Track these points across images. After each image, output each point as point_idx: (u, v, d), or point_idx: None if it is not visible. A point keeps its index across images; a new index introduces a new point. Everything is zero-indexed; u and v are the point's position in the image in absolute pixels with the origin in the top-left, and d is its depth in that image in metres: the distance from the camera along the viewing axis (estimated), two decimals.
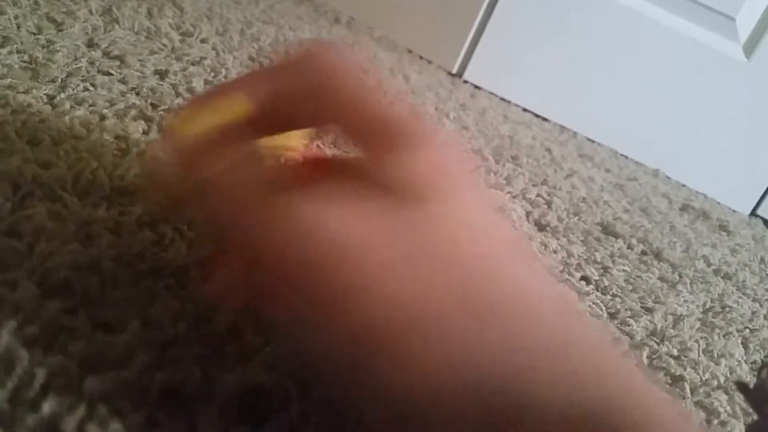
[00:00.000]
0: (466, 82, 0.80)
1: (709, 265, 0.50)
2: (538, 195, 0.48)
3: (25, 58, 0.32)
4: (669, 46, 0.76)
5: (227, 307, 0.20)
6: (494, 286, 0.16)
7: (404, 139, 0.17)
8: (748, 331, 0.40)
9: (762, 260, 0.58)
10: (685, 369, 0.32)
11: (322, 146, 0.25)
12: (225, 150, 0.18)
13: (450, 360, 0.14)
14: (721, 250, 0.56)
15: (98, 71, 0.35)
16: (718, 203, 0.78)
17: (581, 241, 0.43)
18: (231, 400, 0.18)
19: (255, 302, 0.19)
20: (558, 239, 0.42)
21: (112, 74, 0.35)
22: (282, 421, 0.18)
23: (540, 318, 0.15)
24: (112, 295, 0.20)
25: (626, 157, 0.80)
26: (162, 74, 0.38)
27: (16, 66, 0.31)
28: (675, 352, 0.33)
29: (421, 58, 0.80)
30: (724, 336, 0.38)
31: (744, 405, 0.31)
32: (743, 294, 0.47)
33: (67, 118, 0.29)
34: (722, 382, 0.32)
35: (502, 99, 0.80)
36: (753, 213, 0.80)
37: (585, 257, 0.41)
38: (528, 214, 0.44)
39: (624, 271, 0.41)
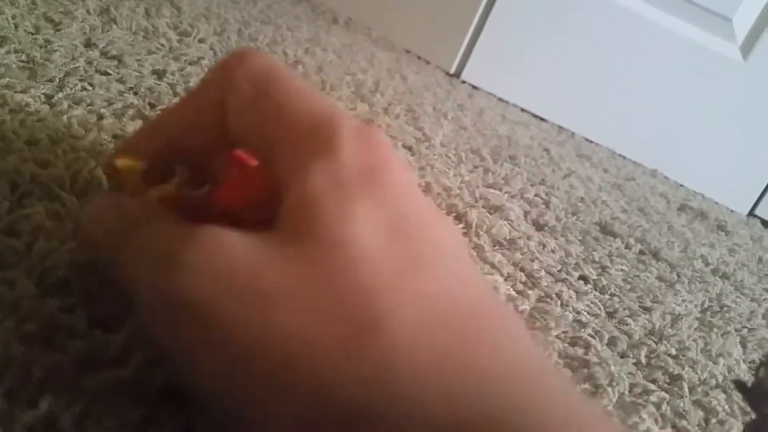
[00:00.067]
0: (464, 82, 0.80)
1: (707, 264, 0.50)
2: (536, 195, 0.48)
3: (23, 57, 0.32)
4: (666, 46, 0.76)
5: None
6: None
7: (303, 159, 0.16)
8: (746, 330, 0.40)
9: (760, 260, 0.59)
10: (683, 368, 0.32)
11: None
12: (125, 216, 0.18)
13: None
14: (719, 249, 0.56)
15: (96, 71, 0.35)
16: (716, 203, 0.78)
17: (579, 240, 0.43)
18: None
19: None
20: (556, 239, 0.42)
21: (109, 74, 0.35)
22: None
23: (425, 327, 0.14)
24: (111, 294, 0.20)
25: (624, 157, 0.80)
26: (160, 74, 0.38)
27: (14, 65, 0.31)
28: (673, 352, 0.33)
29: (419, 58, 0.80)
30: (722, 335, 0.38)
31: (742, 404, 0.31)
32: (741, 293, 0.47)
33: (65, 117, 0.29)
34: (720, 381, 0.32)
35: (500, 99, 0.80)
36: (751, 213, 0.80)
37: (583, 257, 0.41)
38: (526, 213, 0.44)
39: (622, 270, 0.41)
